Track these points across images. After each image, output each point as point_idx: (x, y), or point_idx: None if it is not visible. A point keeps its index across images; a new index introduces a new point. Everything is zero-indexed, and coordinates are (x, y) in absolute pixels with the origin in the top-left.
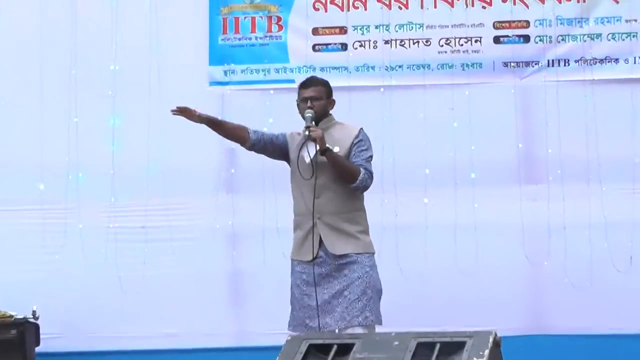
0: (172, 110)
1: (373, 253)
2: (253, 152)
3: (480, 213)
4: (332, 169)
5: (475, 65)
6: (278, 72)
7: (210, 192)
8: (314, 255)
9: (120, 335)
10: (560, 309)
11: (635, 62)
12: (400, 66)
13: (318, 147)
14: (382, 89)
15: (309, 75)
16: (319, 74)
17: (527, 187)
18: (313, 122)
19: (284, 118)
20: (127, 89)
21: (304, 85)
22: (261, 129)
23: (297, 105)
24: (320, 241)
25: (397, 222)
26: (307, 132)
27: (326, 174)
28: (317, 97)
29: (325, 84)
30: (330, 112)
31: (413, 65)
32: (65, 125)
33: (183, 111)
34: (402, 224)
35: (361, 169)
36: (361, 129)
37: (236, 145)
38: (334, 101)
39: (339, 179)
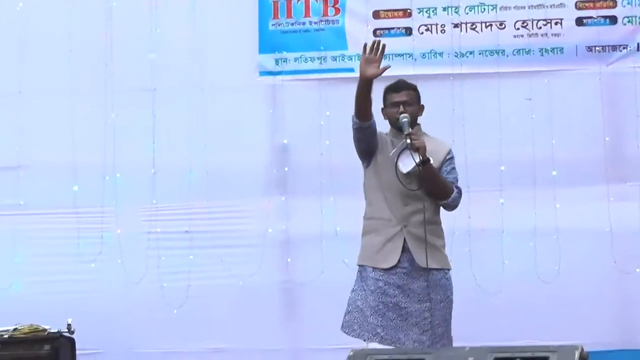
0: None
1: (450, 269)
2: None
3: (562, 215)
4: (426, 181)
5: (555, 50)
6: (335, 60)
7: (261, 193)
8: (396, 264)
9: (164, 350)
10: None
11: None
12: (471, 52)
13: (420, 158)
14: (451, 78)
15: None
16: (397, 61)
17: (615, 186)
18: (410, 129)
19: (341, 111)
20: (168, 82)
21: (395, 88)
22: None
23: (382, 110)
24: (404, 250)
25: (470, 225)
26: (408, 140)
27: (417, 182)
28: (409, 102)
29: (416, 89)
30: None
31: (486, 51)
32: (101, 122)
33: (377, 50)
34: (475, 228)
35: (454, 187)
36: (450, 146)
37: (289, 142)
38: (423, 107)
39: (430, 192)
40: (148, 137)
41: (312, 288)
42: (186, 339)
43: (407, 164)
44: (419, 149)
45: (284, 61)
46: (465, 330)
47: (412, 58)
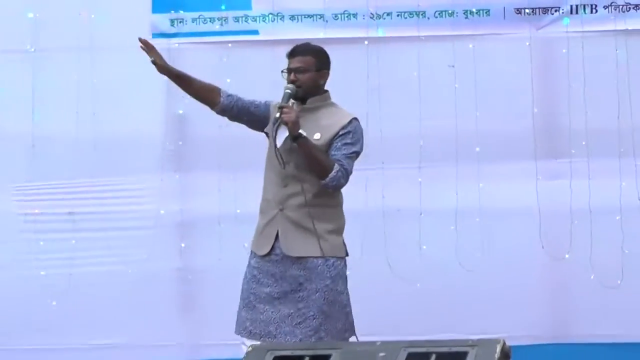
0: (140, 39)
1: (342, 257)
2: (221, 118)
3: (486, 195)
4: (303, 158)
5: (481, 12)
6: (238, 21)
7: (152, 170)
8: (270, 250)
9: (42, 347)
10: (585, 313)
11: None
12: (388, 14)
13: (288, 133)
14: (366, 42)
15: (274, 25)
16: (288, 24)
17: (545, 163)
18: (292, 102)
19: (245, 77)
20: (50, 42)
21: (290, 53)
22: (238, 94)
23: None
24: (279, 236)
25: (384, 206)
26: (277, 114)
27: (298, 161)
28: (303, 68)
29: (317, 53)
30: (326, 89)
31: (405, 13)
32: None
33: (150, 48)
34: (390, 209)
35: (336, 165)
36: (353, 119)
37: (186, 112)
38: (327, 74)
39: (310, 171)
40: (26, 105)
41: (210, 276)
42: (67, 333)
43: (282, 139)
44: (288, 124)
45: (180, 22)
46: (379, 323)
47: (323, 19)
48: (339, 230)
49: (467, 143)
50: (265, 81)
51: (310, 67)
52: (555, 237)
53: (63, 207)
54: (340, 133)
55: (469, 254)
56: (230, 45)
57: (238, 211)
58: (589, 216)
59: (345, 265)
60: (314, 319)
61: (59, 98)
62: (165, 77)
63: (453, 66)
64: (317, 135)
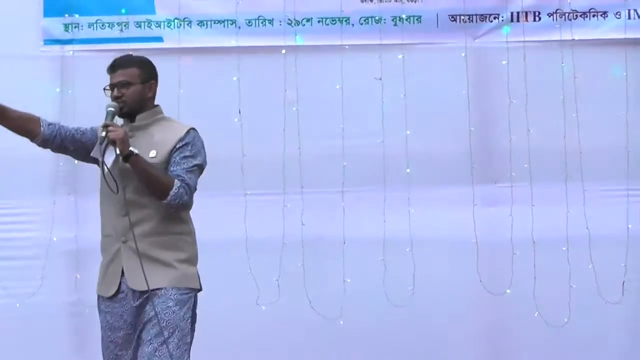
0: None
1: (195, 289)
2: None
3: (418, 223)
4: (139, 179)
5: (412, 19)
6: (140, 26)
7: (44, 192)
8: (116, 290)
9: None
10: (528, 354)
11: (629, 17)
12: (308, 20)
13: (118, 152)
14: (283, 51)
15: (180, 31)
16: (196, 30)
17: (483, 188)
18: (116, 119)
19: None
20: None
21: (110, 67)
22: (62, 123)
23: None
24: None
25: (303, 234)
26: (103, 133)
27: (136, 184)
28: (127, 82)
29: (141, 64)
30: (156, 105)
31: (326, 19)
32: None
33: None
34: (310, 237)
35: (176, 181)
36: (191, 129)
37: None
38: (154, 85)
39: (149, 192)
40: None
41: None
42: None
43: (111, 161)
44: (116, 142)
45: (75, 27)
46: None
47: (235, 25)
48: (191, 260)
49: (396, 165)
50: (169, 94)
51: (134, 79)
52: (494, 270)
53: None
54: (178, 146)
55: (399, 288)
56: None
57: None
58: (532, 247)
59: (195, 299)
60: (149, 344)
61: None
62: (54, 90)
63: (380, 79)
64: (152, 153)
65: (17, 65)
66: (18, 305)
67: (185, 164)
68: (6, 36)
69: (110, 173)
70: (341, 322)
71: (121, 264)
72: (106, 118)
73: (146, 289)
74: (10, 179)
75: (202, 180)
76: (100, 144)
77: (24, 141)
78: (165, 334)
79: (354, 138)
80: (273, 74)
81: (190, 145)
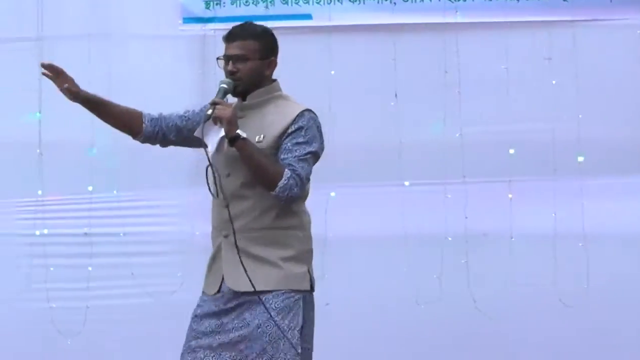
0: (43, 65)
1: (303, 290)
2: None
3: (591, 216)
4: (246, 165)
5: None
6: (287, 3)
7: (184, 183)
8: (218, 289)
9: None
10: None
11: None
12: None
13: (223, 133)
14: (443, 29)
15: (330, 7)
16: (348, 7)
17: None
18: (228, 97)
19: (294, 73)
20: (58, 31)
21: (226, 37)
22: (167, 112)
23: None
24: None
25: (467, 229)
26: (209, 111)
27: (241, 171)
28: (244, 56)
29: (261, 36)
30: (274, 79)
31: None
32: None
33: (56, 73)
34: (474, 231)
35: (287, 171)
36: (305, 111)
37: None
38: (274, 63)
39: (256, 181)
40: (32, 104)
41: None
42: None
43: (214, 143)
44: (222, 122)
45: (217, 3)
46: None
47: (390, 1)
48: (299, 257)
49: (567, 152)
50: (319, 76)
51: (253, 54)
52: None
53: (77, 226)
54: (289, 131)
55: (571, 287)
56: (277, 32)
57: None
58: None
59: (306, 301)
60: (259, 358)
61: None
62: (196, 72)
63: (549, 59)
64: (259, 137)
65: (154, 46)
66: (157, 304)
67: (298, 151)
68: (143, 15)
69: (211, 156)
70: (507, 324)
71: (221, 261)
72: (217, 95)
73: (245, 289)
74: (147, 170)
75: (355, 169)
76: (204, 122)
77: None
78: (270, 350)
79: (521, 123)
80: (432, 54)
81: (304, 129)
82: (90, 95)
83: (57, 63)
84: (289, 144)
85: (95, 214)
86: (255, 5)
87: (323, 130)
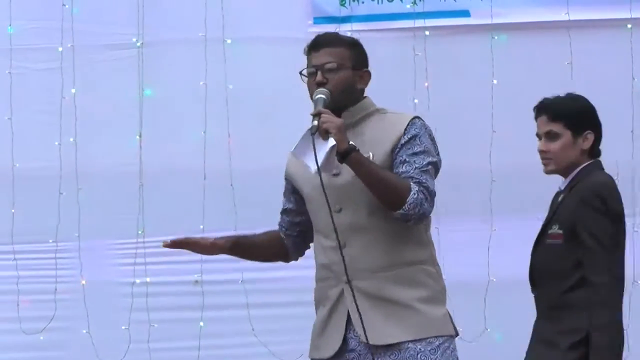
0: (165, 245)
1: (450, 336)
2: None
3: None
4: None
5: None
6: None
7: None
8: (340, 347)
9: None
10: None
11: None
12: None
13: (332, 145)
14: (629, 25)
15: (492, 3)
16: (510, 2)
17: None
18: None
19: (447, 78)
20: (160, 36)
21: (311, 46)
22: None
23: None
24: (350, 322)
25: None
26: (314, 122)
27: (356, 199)
28: (332, 65)
29: (352, 45)
30: (366, 94)
31: None
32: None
33: (182, 245)
34: None
35: (412, 184)
36: (415, 118)
37: None
38: (367, 75)
39: (378, 200)
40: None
41: None
42: None
43: (322, 158)
44: (330, 132)
45: (353, 0)
46: None
47: None
48: (438, 298)
49: None
50: (480, 82)
51: (344, 62)
52: None
53: (186, 272)
54: (402, 142)
55: None
56: (427, 33)
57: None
58: None
59: (454, 348)
60: None
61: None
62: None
63: None
64: (370, 155)
65: (283, 50)
66: None
67: (417, 162)
68: (272, 14)
69: (321, 179)
70: None
71: (346, 312)
72: (317, 105)
73: (390, 342)
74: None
75: None
76: (312, 134)
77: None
78: None
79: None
80: (614, 53)
81: (418, 138)
82: (232, 238)
83: (165, 71)
84: (404, 156)
85: (208, 257)
86: (401, 0)
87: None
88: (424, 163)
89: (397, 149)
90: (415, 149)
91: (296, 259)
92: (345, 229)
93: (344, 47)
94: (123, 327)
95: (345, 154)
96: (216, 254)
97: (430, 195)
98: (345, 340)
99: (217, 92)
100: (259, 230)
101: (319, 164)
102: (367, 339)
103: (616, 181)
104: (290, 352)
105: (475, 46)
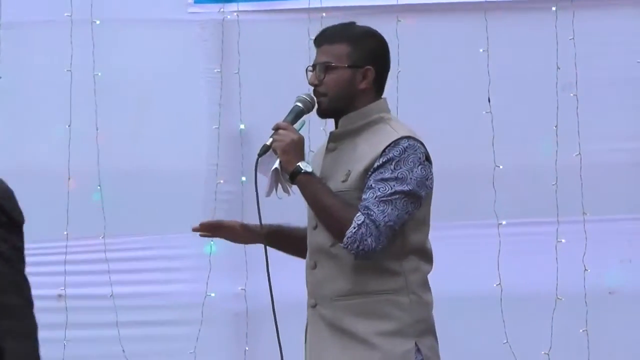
0: (195, 229)
1: None
2: None
3: None
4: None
5: None
6: None
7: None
8: None
9: None
10: None
11: None
12: None
13: (276, 165)
14: None
15: None
16: None
17: None
18: (303, 122)
19: None
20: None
21: (314, 41)
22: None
23: None
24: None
25: None
26: (270, 139)
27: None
28: (329, 64)
29: (356, 39)
30: (382, 98)
31: None
32: None
33: (214, 230)
34: None
35: (359, 216)
36: (402, 138)
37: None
38: (370, 73)
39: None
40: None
41: None
42: None
43: (266, 180)
44: (276, 150)
45: None
46: None
47: None
48: (404, 331)
49: None
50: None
51: (339, 60)
52: None
53: (49, 285)
54: (376, 165)
55: None
56: (324, 14)
57: None
58: None
59: None
60: None
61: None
62: (214, 66)
63: None
64: (344, 176)
65: (160, 33)
66: None
67: (382, 189)
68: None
69: (261, 198)
70: None
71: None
72: (286, 116)
73: None
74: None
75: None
76: (260, 155)
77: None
78: None
79: None
80: (536, 39)
81: (394, 162)
82: (274, 226)
83: (24, 55)
84: (371, 181)
85: (71, 269)
86: None
87: None
88: (389, 191)
89: (371, 172)
90: (386, 174)
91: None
92: (316, 249)
93: (345, 43)
94: None
95: (292, 176)
96: (252, 243)
97: (377, 229)
98: None
99: (83, 81)
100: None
101: (265, 185)
102: None
103: (536, 185)
104: None
105: (379, 30)
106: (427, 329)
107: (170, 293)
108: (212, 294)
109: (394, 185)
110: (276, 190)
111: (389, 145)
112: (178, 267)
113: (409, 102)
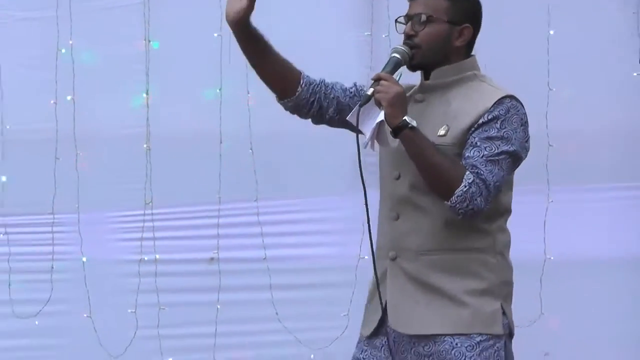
0: None
1: (497, 335)
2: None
3: None
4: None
5: None
6: None
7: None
8: (375, 327)
9: None
10: None
11: None
12: None
13: (382, 118)
14: None
15: None
16: None
17: None
18: (400, 73)
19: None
20: None
21: None
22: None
23: None
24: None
25: None
26: (370, 89)
27: (415, 168)
28: (426, 16)
29: None
30: (471, 55)
31: None
32: None
33: None
34: None
35: (468, 174)
36: (507, 97)
37: None
38: (469, 32)
39: (428, 186)
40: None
41: None
42: None
43: (370, 130)
44: (381, 104)
45: None
46: None
47: None
48: (493, 291)
49: None
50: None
51: (439, 14)
52: None
53: (198, 249)
54: (481, 122)
55: None
56: None
57: None
58: None
59: (504, 349)
60: None
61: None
62: (363, 33)
63: None
64: (442, 130)
65: (309, 4)
66: (312, 356)
67: (488, 148)
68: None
69: (362, 148)
70: None
71: (385, 291)
72: (384, 67)
73: (415, 332)
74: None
75: None
76: (361, 105)
77: None
78: None
79: None
80: None
81: (500, 121)
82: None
83: (175, 20)
84: (476, 139)
85: (225, 231)
86: None
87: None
88: (496, 151)
89: (474, 129)
90: (492, 132)
91: (287, 106)
92: (399, 200)
93: None
94: (129, 311)
95: (395, 130)
96: (233, 26)
97: (487, 189)
98: (382, 320)
99: (236, 45)
100: None
101: (367, 138)
102: (394, 326)
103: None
104: (320, 340)
105: None
106: (509, 293)
107: (323, 256)
108: (366, 257)
109: (499, 145)
110: (372, 143)
111: (495, 103)
112: (330, 230)
113: None
